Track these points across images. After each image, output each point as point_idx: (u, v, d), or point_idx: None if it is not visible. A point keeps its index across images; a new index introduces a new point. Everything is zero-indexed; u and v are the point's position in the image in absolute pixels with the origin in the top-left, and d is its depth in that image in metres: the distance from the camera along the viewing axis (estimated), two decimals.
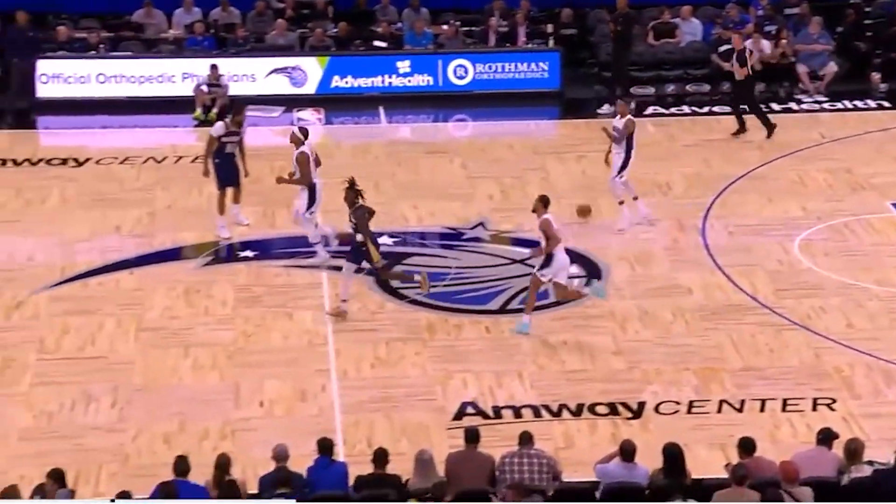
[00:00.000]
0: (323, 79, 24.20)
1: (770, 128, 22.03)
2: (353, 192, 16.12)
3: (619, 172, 18.40)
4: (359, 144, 22.27)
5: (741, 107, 22.21)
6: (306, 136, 17.56)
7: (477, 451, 12.15)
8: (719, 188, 19.97)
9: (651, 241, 18.33)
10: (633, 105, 18.83)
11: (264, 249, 18.18)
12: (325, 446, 12.11)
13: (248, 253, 18.04)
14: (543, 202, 15.76)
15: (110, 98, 23.65)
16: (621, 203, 18.51)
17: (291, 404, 14.54)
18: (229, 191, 18.25)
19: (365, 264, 16.21)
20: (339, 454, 13.10)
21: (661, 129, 22.77)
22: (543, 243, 15.61)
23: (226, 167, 18.15)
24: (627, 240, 18.21)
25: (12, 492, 11.17)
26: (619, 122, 18.46)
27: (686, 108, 23.80)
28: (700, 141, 22.16)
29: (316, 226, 17.56)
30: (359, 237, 16.01)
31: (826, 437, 12.03)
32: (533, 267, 15.95)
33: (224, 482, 11.65)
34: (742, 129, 22.05)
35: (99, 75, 23.77)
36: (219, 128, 18.29)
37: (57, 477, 11.49)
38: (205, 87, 23.38)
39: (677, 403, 14.49)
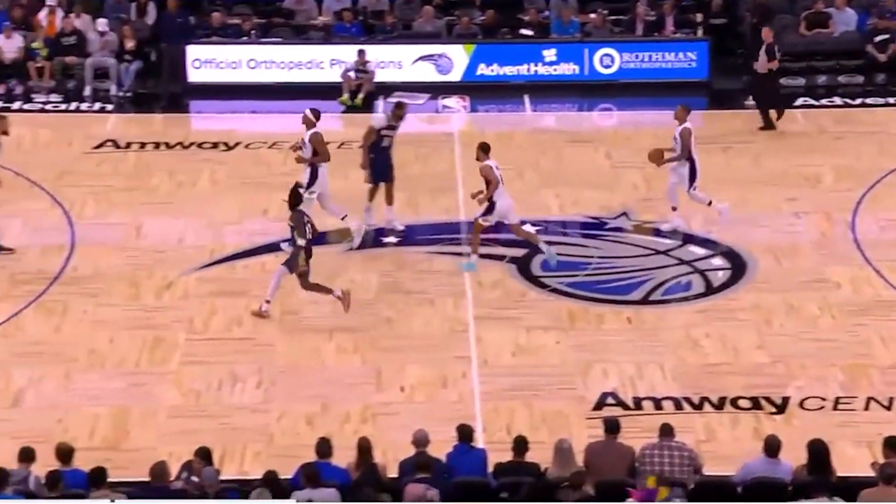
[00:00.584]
0: (469, 66, 24.25)
1: (769, 126, 21.52)
2: (295, 196, 15.95)
3: (692, 184, 17.97)
4: (503, 132, 22.25)
5: (767, 101, 21.75)
6: (318, 118, 17.74)
7: (617, 441, 12.09)
8: (871, 181, 19.55)
9: (799, 234, 18.04)
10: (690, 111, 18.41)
11: (407, 235, 18.28)
12: (465, 433, 12.17)
13: (392, 239, 18.17)
14: (483, 149, 16.82)
15: (260, 83, 24.01)
16: (674, 208, 18.12)
17: (432, 390, 14.63)
18: (382, 186, 18.23)
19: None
20: (479, 441, 13.14)
21: (811, 120, 22.37)
22: (485, 188, 16.49)
23: (381, 162, 18.06)
24: (774, 232, 17.94)
25: (161, 467, 11.42)
26: (676, 131, 18.02)
27: (838, 100, 23.34)
28: (851, 133, 21.72)
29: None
30: (299, 241, 15.66)
31: None
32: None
33: (365, 465, 11.78)
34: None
35: (250, 61, 24.15)
36: (380, 119, 18.19)
37: (204, 455, 11.73)
38: (352, 73, 23.61)
39: (823, 399, 14.24)
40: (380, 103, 23.62)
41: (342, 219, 17.70)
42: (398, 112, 18.14)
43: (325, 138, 17.68)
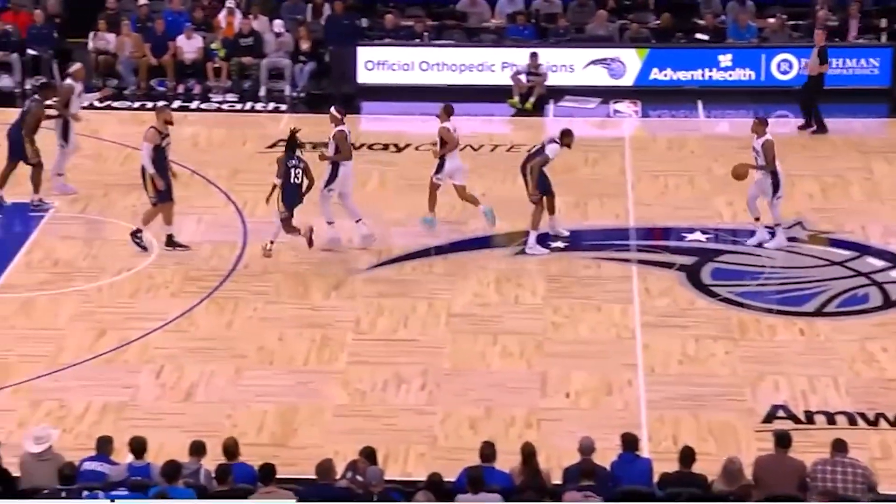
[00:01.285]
0: (641, 71, 24.08)
1: (821, 127, 21.59)
2: (291, 139, 17.19)
3: (775, 194, 17.52)
4: (674, 138, 22.06)
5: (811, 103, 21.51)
6: (344, 116, 18.06)
7: (788, 456, 11.87)
8: None
9: None
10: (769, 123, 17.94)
11: (575, 240, 18.23)
12: (630, 441, 12.08)
13: (559, 243, 18.13)
14: (447, 111, 18.31)
15: (431, 85, 24.19)
16: (757, 219, 17.70)
17: (597, 397, 14.56)
18: (545, 200, 18.09)
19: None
20: (644, 450, 13.03)
21: None
22: (439, 147, 17.94)
23: (543, 177, 17.93)
24: None
25: (327, 465, 11.58)
26: (757, 143, 17.53)
27: None
28: None
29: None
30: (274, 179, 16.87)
31: None
32: None
33: (529, 471, 11.77)
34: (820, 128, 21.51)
35: (422, 63, 24.35)
36: (555, 150, 17.81)
37: (369, 454, 11.85)
38: (523, 76, 23.63)
39: None
40: (550, 107, 23.61)
41: (356, 222, 17.85)
42: (566, 140, 17.94)
43: (348, 136, 18.00)
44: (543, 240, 18.07)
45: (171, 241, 17.71)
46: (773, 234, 17.66)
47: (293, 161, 17.02)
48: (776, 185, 17.53)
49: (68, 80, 20.07)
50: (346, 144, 17.92)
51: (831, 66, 23.17)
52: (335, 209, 18.02)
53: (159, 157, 17.54)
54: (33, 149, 18.72)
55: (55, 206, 18.64)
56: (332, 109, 18.25)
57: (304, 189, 17.21)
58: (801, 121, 22.12)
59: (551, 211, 18.03)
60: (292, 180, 16.93)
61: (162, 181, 17.47)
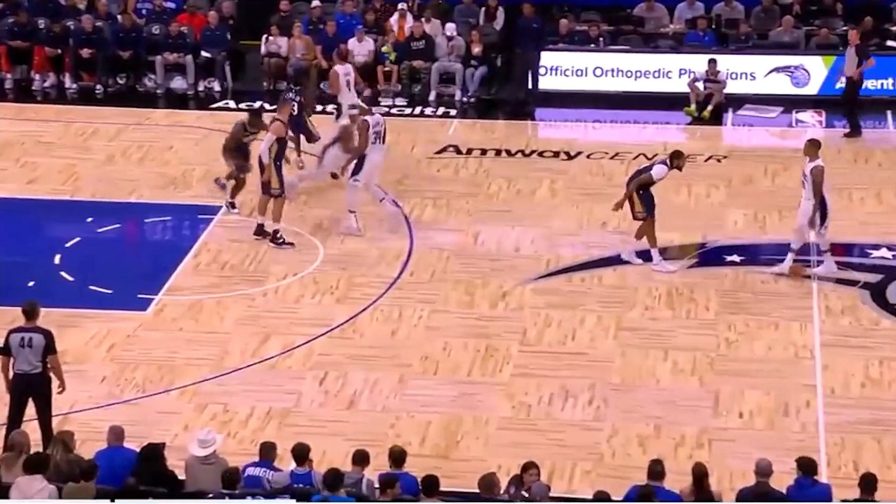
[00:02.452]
0: (827, 79, 23.62)
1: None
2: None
3: (822, 223, 16.88)
4: (860, 150, 21.59)
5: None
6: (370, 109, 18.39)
7: None
8: None
9: None
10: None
11: (752, 255, 17.96)
12: (808, 465, 11.84)
13: (735, 257, 17.88)
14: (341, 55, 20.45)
15: (605, 92, 24.09)
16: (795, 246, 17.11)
17: (773, 417, 14.33)
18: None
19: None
20: (822, 475, 12.77)
21: None
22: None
23: (650, 198, 17.60)
24: None
25: (490, 479, 11.59)
26: (807, 168, 16.88)
27: None
28: None
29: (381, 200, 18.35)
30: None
31: None
32: None
33: (700, 492, 11.63)
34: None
35: (596, 69, 24.26)
36: (662, 172, 17.55)
37: (528, 468, 11.80)
38: (700, 84, 23.38)
39: None
40: (728, 115, 23.32)
41: (380, 201, 18.39)
42: (676, 163, 17.63)
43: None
44: (721, 252, 17.86)
45: (275, 237, 18.01)
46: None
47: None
48: (823, 216, 16.95)
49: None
50: (365, 135, 17.94)
51: None
52: (361, 197, 18.31)
53: (281, 150, 17.86)
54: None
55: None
56: (359, 102, 19.02)
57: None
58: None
59: (638, 236, 17.77)
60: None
61: (279, 175, 17.79)
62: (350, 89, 20.21)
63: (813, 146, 17.25)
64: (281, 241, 18.05)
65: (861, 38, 22.45)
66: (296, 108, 19.27)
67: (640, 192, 17.50)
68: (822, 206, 17.02)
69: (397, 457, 12.00)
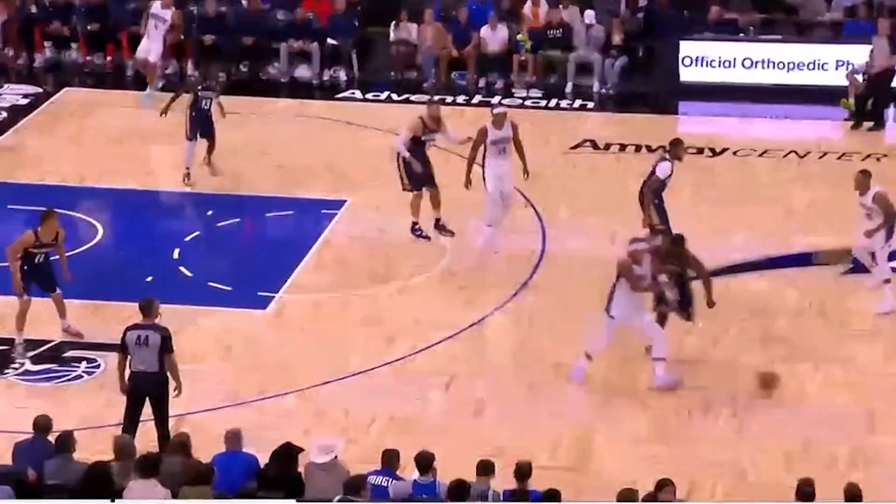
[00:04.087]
0: None
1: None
2: None
3: (888, 240, 16.36)
4: None
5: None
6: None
7: None
8: None
9: None
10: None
11: None
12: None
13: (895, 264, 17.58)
14: None
15: (754, 84, 23.83)
16: (887, 282, 16.48)
17: None
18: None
19: None
20: None
21: None
22: None
23: (662, 205, 17.34)
24: None
25: (629, 494, 11.53)
26: (866, 200, 16.32)
27: None
28: None
29: None
30: None
31: None
32: None
33: None
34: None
35: (745, 60, 24.02)
36: (666, 169, 17.17)
37: (661, 486, 11.74)
38: (860, 76, 23.01)
39: None
40: (890, 111, 22.93)
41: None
42: (676, 153, 17.27)
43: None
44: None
45: (413, 229, 18.00)
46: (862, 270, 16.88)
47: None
48: (890, 233, 16.44)
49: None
50: (480, 139, 17.65)
51: None
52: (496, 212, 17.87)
53: (417, 149, 17.85)
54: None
55: None
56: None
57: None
58: None
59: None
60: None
61: (414, 171, 17.75)
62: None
63: (864, 178, 16.66)
64: (419, 233, 18.13)
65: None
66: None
67: (656, 201, 17.13)
68: (889, 230, 16.51)
69: (524, 471, 11.99)
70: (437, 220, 18.14)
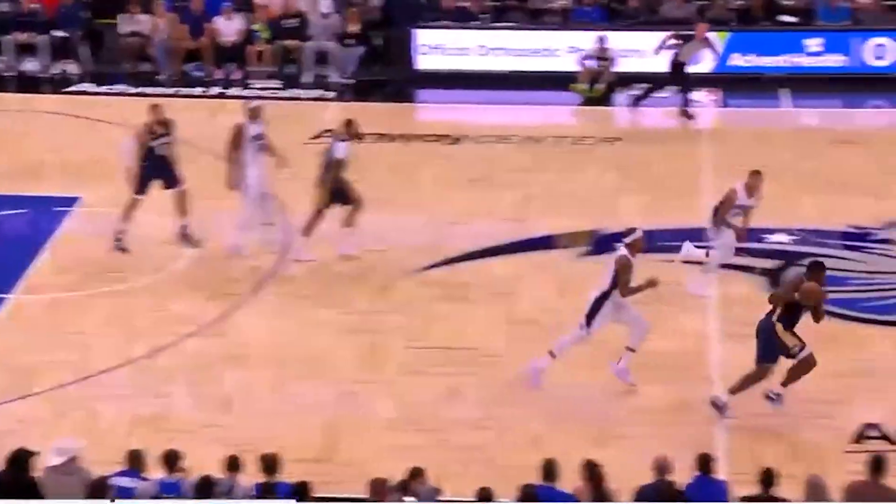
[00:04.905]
0: (721, 56, 23.97)
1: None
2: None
3: None
4: (757, 130, 21.96)
5: None
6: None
7: (882, 484, 11.77)
8: None
9: None
10: None
11: (648, 241, 18.12)
12: (706, 462, 12.02)
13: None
14: None
15: (490, 72, 24.21)
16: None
17: (671, 413, 14.49)
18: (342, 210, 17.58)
19: None
20: (722, 472, 12.96)
21: None
22: None
23: (341, 184, 17.44)
24: None
25: (380, 483, 11.58)
26: (753, 201, 16.68)
27: None
28: None
29: None
30: None
31: None
32: None
33: (595, 491, 11.75)
34: None
35: (480, 47, 24.37)
36: (342, 149, 17.37)
37: (415, 475, 11.84)
38: (590, 61, 23.58)
39: None
40: (620, 97, 23.56)
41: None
42: (351, 131, 17.49)
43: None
44: (614, 239, 18.05)
45: (118, 239, 17.72)
46: None
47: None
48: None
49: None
50: (238, 136, 17.58)
51: None
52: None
53: (149, 153, 17.56)
54: None
55: None
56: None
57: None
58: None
59: (348, 223, 17.54)
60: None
61: (144, 175, 17.56)
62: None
63: (760, 180, 16.71)
64: (119, 243, 17.76)
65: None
66: None
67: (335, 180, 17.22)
68: None
69: (270, 464, 11.94)
70: (184, 226, 17.83)
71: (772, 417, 14.28)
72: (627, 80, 23.65)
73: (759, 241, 18.06)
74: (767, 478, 11.80)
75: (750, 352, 15.12)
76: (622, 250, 14.82)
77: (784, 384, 14.17)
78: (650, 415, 14.50)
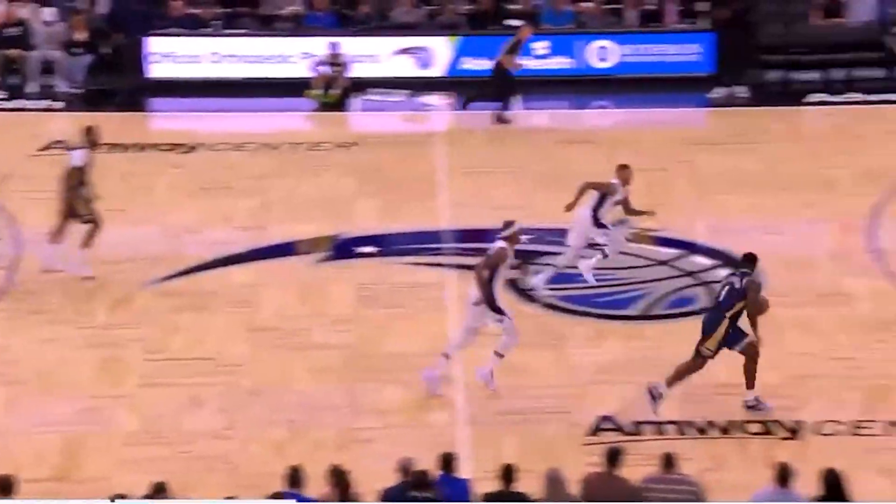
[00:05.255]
0: (453, 60, 24.33)
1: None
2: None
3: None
4: (491, 132, 22.35)
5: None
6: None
7: (615, 475, 12.13)
8: (893, 185, 19.69)
9: (812, 242, 18.14)
10: None
11: (387, 244, 18.34)
12: (448, 461, 12.21)
13: (368, 249, 18.22)
14: None
15: (224, 79, 24.06)
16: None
17: (413, 414, 14.67)
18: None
19: None
20: (465, 470, 13.18)
21: (828, 118, 22.54)
22: None
23: (77, 193, 17.12)
24: (787, 242, 18.02)
25: (123, 497, 11.43)
26: (627, 191, 17.13)
27: (856, 96, 23.47)
28: (872, 132, 21.86)
29: None
30: None
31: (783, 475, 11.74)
32: None
33: (340, 496, 11.81)
34: None
35: (213, 54, 24.20)
36: (80, 157, 17.06)
37: (159, 490, 11.72)
38: (323, 68, 23.65)
39: (840, 424, 14.33)
40: (355, 101, 23.70)
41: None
42: (90, 138, 17.29)
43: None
44: (354, 244, 18.16)
45: None
46: None
47: None
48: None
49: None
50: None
51: (650, 54, 23.79)
52: None
53: None
54: None
55: None
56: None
57: None
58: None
59: (85, 243, 17.19)
60: None
61: None
62: None
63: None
64: None
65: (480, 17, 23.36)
66: None
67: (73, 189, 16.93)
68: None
69: (3, 485, 11.64)
70: None
71: (511, 414, 14.57)
72: (361, 85, 23.80)
73: (495, 241, 18.33)
74: (507, 473, 12.04)
75: (488, 350, 15.42)
76: (500, 243, 14.97)
77: (749, 386, 14.48)
78: (392, 416, 14.63)
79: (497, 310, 14.85)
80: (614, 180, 17.02)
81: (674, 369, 14.51)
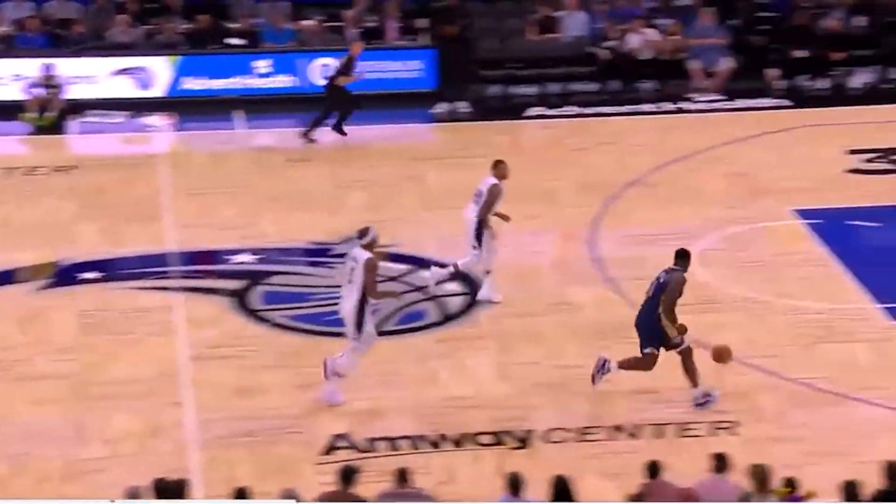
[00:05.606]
0: (173, 80, 24.04)
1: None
2: None
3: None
4: (214, 152, 22.15)
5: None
6: None
7: (350, 492, 12.13)
8: (609, 195, 20.23)
9: (536, 253, 18.50)
10: None
11: (109, 269, 17.98)
12: (173, 489, 11.98)
13: (93, 274, 17.83)
14: None
15: None
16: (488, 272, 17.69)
17: (142, 441, 14.40)
18: None
19: None
20: (199, 493, 13.00)
21: (546, 131, 23.04)
22: None
23: None
24: (512, 253, 18.33)
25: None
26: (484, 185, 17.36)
27: (572, 109, 24.05)
28: (587, 144, 22.44)
29: None
30: None
31: (720, 464, 12.23)
32: None
33: None
34: None
35: None
36: None
37: None
38: (37, 90, 23.07)
39: (568, 431, 14.63)
40: (73, 123, 23.19)
41: None
42: None
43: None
44: (76, 269, 17.75)
45: None
46: None
47: None
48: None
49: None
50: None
51: (373, 70, 23.93)
52: None
53: None
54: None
55: None
56: None
57: None
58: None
59: None
60: None
61: None
62: None
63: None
64: None
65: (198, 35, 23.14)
66: None
67: None
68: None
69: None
70: None
71: (243, 436, 14.44)
72: (79, 106, 23.29)
73: (224, 262, 18.21)
74: (240, 496, 11.91)
75: (221, 372, 15.26)
76: (362, 252, 14.66)
77: (693, 385, 14.68)
78: (120, 444, 14.33)
79: (358, 325, 14.71)
80: (492, 179, 16.96)
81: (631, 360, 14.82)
